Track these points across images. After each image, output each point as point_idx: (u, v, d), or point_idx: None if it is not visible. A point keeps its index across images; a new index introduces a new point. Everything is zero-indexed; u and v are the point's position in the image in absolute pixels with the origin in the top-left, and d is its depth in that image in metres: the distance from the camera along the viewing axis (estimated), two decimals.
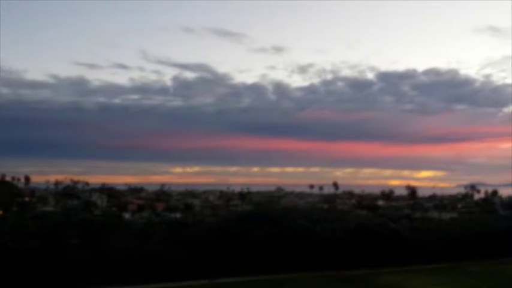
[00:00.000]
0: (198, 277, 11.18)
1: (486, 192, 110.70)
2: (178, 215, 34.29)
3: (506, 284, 9.79)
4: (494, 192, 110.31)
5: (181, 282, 10.79)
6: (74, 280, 10.66)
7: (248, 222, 13.19)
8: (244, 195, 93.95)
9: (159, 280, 11.06)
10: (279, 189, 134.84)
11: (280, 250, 12.05)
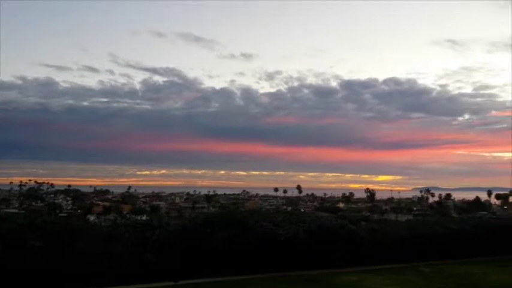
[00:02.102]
0: (163, 279, 11.39)
1: (440, 196, 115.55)
2: (144, 217, 34.10)
3: (455, 284, 10.52)
4: (448, 196, 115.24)
5: (146, 284, 10.96)
6: (36, 284, 10.65)
7: (213, 224, 13.46)
8: (210, 198, 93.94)
9: (123, 282, 11.16)
10: (245, 192, 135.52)
11: (245, 252, 12.39)
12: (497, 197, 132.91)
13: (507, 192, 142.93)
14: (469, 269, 12.55)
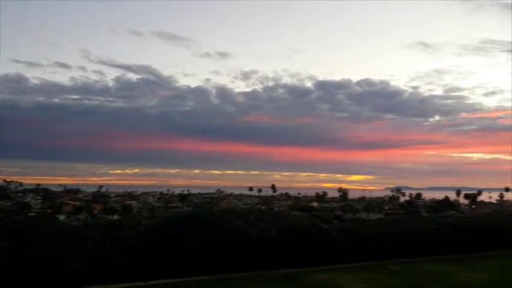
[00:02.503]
0: (133, 279, 11.24)
1: (411, 195, 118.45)
2: (115, 217, 33.62)
3: (422, 281, 10.74)
4: (418, 195, 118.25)
5: (116, 284, 10.79)
6: (2, 285, 10.35)
7: (185, 224, 13.36)
8: (184, 197, 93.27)
9: (92, 283, 10.96)
10: (219, 191, 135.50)
11: (217, 251, 12.35)
12: (466, 196, 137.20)
13: (475, 192, 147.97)
14: (437, 267, 12.86)
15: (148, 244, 12.46)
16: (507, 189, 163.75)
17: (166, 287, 10.62)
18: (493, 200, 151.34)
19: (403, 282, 10.77)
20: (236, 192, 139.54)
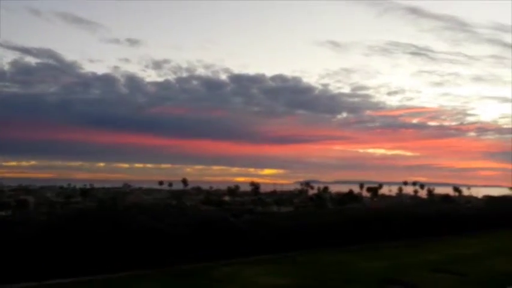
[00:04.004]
0: (26, 279, 10.22)
1: (319, 189, 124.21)
2: (7, 213, 30.73)
3: (325, 271, 11.05)
4: (326, 189, 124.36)
5: (6, 284, 9.74)
6: None
7: (86, 220, 12.49)
8: (86, 192, 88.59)
9: None
10: (126, 185, 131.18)
11: (120, 248, 11.70)
12: (368, 189, 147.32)
13: (377, 185, 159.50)
14: (340, 257, 13.38)
15: (45, 242, 11.43)
16: (405, 183, 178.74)
17: (61, 286, 9.76)
18: (393, 193, 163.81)
19: (307, 272, 11.05)
20: (145, 186, 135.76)
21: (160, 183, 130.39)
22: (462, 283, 10.69)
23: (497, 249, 16.32)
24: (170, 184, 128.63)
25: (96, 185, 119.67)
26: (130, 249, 11.75)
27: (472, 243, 18.02)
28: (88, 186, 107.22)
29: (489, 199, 38.84)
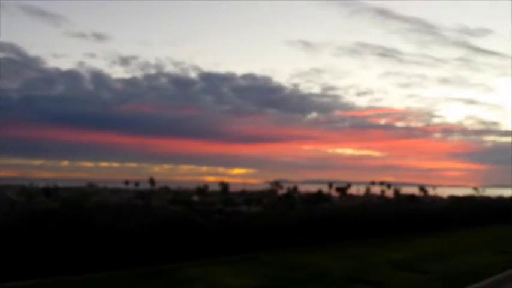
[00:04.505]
0: None
1: (288, 188, 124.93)
2: None
3: (288, 269, 11.09)
4: (295, 189, 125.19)
5: None
6: None
7: (48, 220, 12.06)
8: (49, 191, 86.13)
9: None
10: (91, 185, 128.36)
11: (84, 249, 11.35)
12: (337, 189, 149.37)
13: (345, 185, 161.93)
14: (308, 257, 13.45)
15: (1, 243, 10.96)
16: (373, 183, 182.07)
17: None
18: (361, 193, 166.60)
19: (274, 272, 11.04)
20: (111, 186, 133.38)
21: (127, 182, 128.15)
22: (424, 281, 10.90)
23: (460, 248, 16.78)
24: (137, 184, 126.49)
25: (60, 184, 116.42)
26: (94, 250, 11.41)
27: (436, 242, 18.48)
28: (51, 185, 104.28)
29: (453, 199, 40.04)
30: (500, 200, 38.01)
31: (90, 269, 11.02)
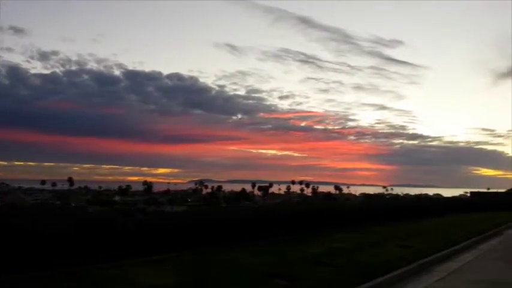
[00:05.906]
0: None
1: (212, 188, 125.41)
2: None
3: (208, 267, 11.50)
4: (219, 188, 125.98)
5: None
6: None
7: None
8: None
9: None
10: (4, 184, 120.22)
11: None
12: (260, 188, 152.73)
13: (268, 184, 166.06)
14: (229, 255, 13.76)
15: None
16: (293, 182, 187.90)
17: None
18: (282, 192, 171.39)
19: (194, 271, 11.25)
20: (26, 186, 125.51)
21: (43, 182, 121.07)
22: (337, 274, 11.68)
23: (371, 243, 18.05)
24: (54, 184, 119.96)
25: None
26: (7, 253, 10.86)
27: (349, 237, 19.68)
28: None
29: (365, 196, 42.73)
30: (406, 198, 41.30)
31: (3, 272, 10.48)
